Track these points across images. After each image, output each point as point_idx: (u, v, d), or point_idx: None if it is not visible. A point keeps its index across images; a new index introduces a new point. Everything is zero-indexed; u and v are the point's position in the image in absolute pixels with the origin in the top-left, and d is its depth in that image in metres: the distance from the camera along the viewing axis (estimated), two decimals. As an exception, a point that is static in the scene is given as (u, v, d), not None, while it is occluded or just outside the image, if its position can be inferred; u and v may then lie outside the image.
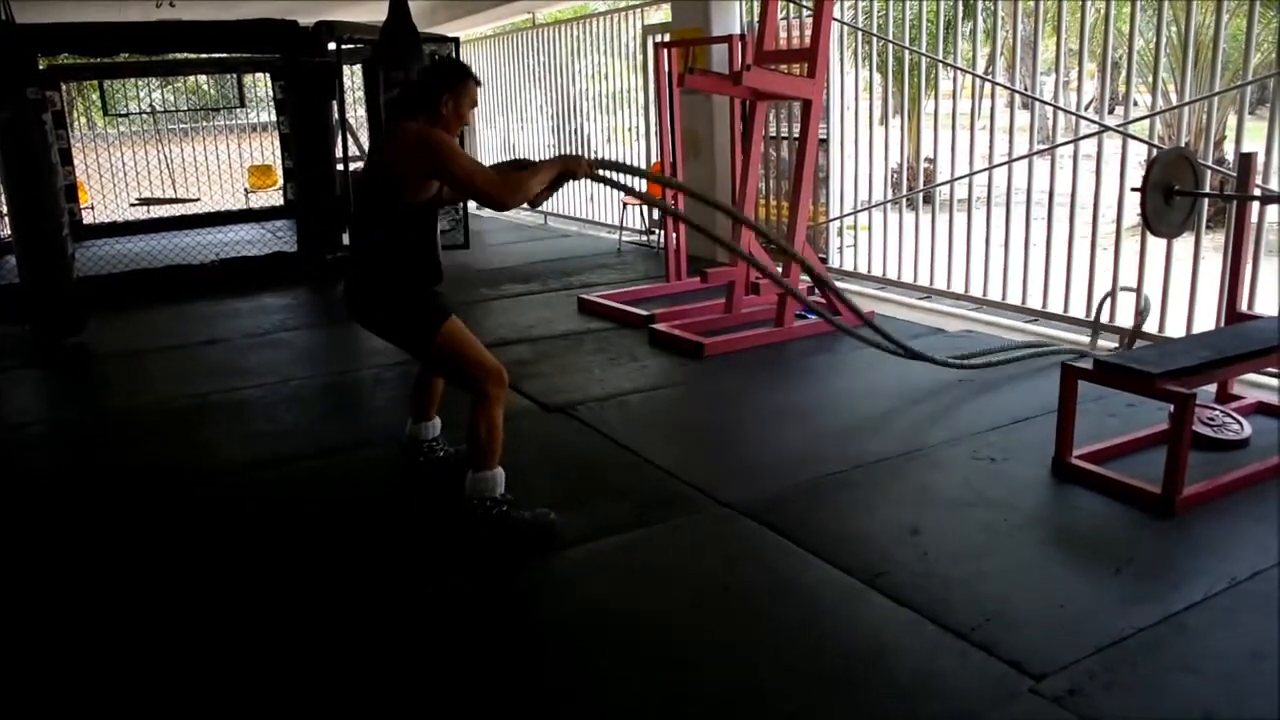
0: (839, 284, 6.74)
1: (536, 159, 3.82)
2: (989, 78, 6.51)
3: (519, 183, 3.52)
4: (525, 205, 3.80)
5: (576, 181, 3.79)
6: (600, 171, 4.01)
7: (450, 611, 3.13)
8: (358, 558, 3.49)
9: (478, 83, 3.61)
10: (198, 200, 12.79)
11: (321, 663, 2.85)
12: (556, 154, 3.62)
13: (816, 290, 6.38)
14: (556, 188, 3.74)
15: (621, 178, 4.17)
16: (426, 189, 3.50)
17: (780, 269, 6.26)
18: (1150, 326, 5.60)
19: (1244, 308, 4.62)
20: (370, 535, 3.66)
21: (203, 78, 14.82)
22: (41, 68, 8.25)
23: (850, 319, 5.15)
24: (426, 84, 3.55)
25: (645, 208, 9.65)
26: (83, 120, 16.57)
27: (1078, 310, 6.03)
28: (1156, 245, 5.40)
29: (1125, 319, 5.61)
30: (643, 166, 10.14)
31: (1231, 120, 8.21)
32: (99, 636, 3.05)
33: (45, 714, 2.69)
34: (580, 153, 11.34)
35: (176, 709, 2.67)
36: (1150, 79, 6.85)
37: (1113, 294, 5.64)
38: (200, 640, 2.99)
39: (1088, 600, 3.00)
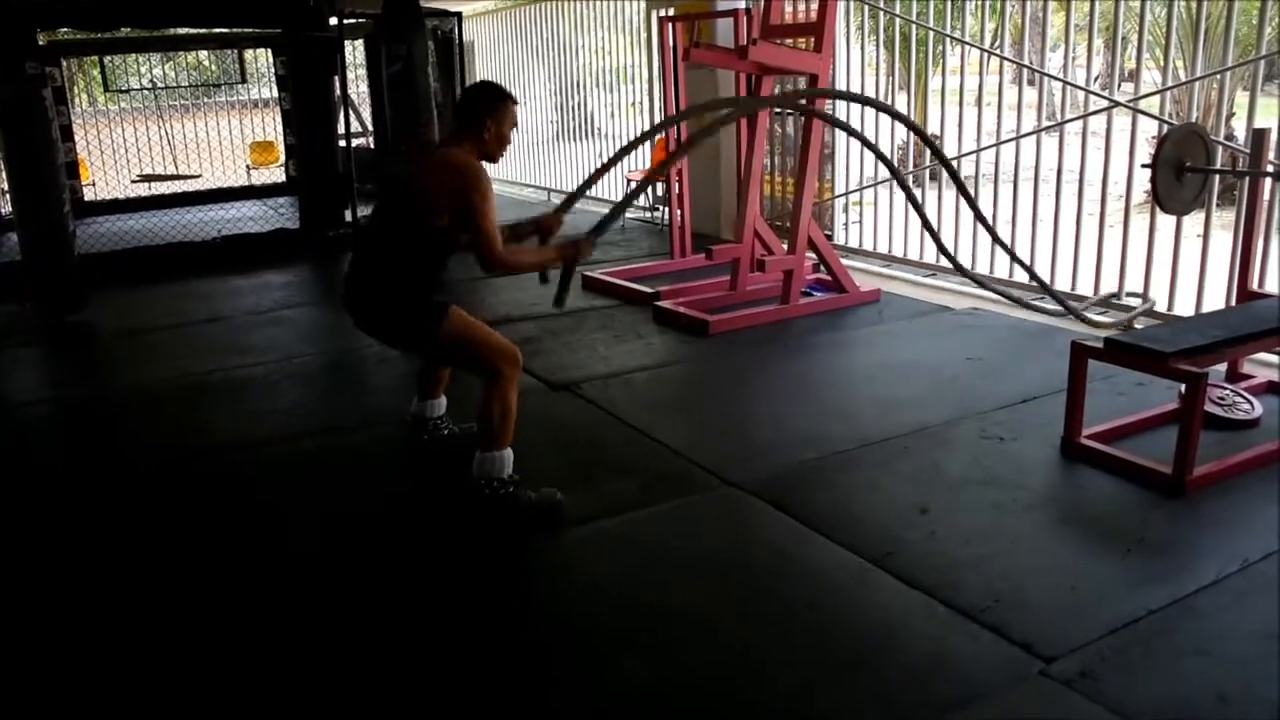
0: (845, 262, 6.71)
1: (531, 218, 4.01)
2: (996, 53, 6.44)
3: (516, 263, 3.65)
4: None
5: (583, 260, 3.89)
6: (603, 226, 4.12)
7: (455, 591, 3.11)
8: (361, 536, 3.47)
9: (514, 101, 3.62)
10: (199, 177, 12.72)
11: (323, 641, 2.84)
12: (560, 241, 3.67)
13: (822, 269, 6.36)
14: (569, 275, 3.88)
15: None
16: (445, 217, 3.47)
17: (786, 246, 6.22)
18: (1159, 305, 5.57)
19: (1255, 286, 4.58)
20: (374, 514, 3.64)
21: (204, 53, 14.73)
22: (41, 43, 8.21)
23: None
24: (467, 110, 3.55)
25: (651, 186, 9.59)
26: (83, 96, 16.46)
27: (1085, 288, 5.99)
28: (1166, 222, 5.36)
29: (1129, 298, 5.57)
30: (648, 143, 10.07)
31: (1242, 96, 8.14)
32: (99, 616, 3.03)
33: (47, 687, 2.68)
34: (588, 135, 11.32)
35: (176, 696, 2.66)
36: (1160, 55, 6.79)
37: (1120, 284, 5.61)
38: (202, 620, 2.98)
39: (1099, 581, 2.97)
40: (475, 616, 2.98)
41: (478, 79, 13.27)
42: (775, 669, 2.63)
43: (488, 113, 3.51)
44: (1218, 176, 4.80)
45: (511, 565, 3.29)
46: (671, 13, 8.12)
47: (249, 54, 12.72)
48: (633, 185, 9.76)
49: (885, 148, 7.49)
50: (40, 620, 3.04)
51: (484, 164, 3.52)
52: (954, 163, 6.90)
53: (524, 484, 3.53)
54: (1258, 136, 4.35)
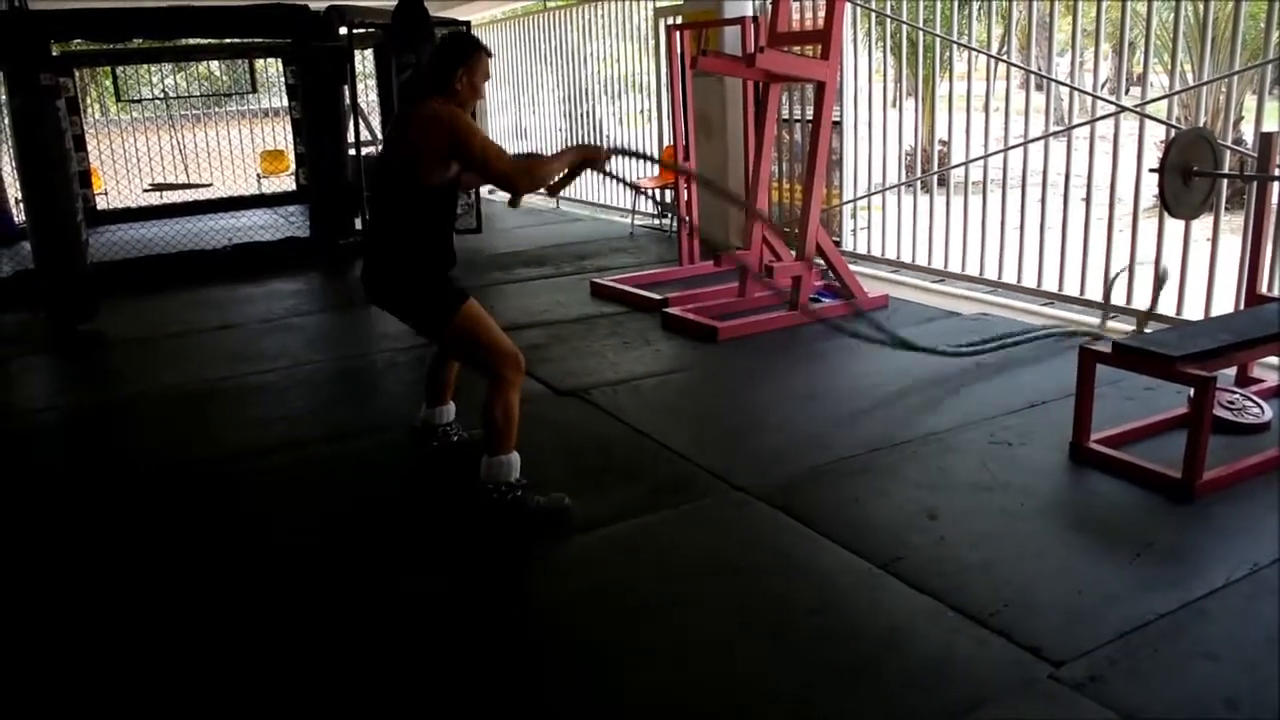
0: (853, 268, 6.72)
1: (550, 152, 3.81)
2: (1003, 58, 6.44)
3: (535, 167, 3.53)
4: (541, 192, 3.80)
5: (595, 171, 3.78)
6: (619, 149, 4.02)
7: (464, 596, 3.13)
8: (371, 542, 3.48)
9: (488, 53, 3.60)
10: (210, 186, 12.81)
11: (331, 645, 2.85)
12: (575, 143, 3.62)
13: (830, 275, 6.36)
14: (574, 176, 3.75)
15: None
16: (445, 170, 3.47)
17: (793, 254, 6.23)
18: (1167, 309, 5.55)
19: (1264, 289, 4.57)
20: (383, 519, 3.66)
21: (215, 63, 14.82)
22: (55, 54, 8.26)
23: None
24: (439, 61, 3.53)
25: (659, 190, 9.60)
26: (96, 106, 16.58)
27: (1094, 293, 5.98)
28: (1174, 227, 5.34)
29: (1139, 300, 5.55)
30: (654, 151, 10.10)
31: (1250, 100, 8.12)
32: (106, 620, 3.05)
33: (48, 685, 2.70)
34: (596, 141, 11.33)
35: (177, 701, 2.67)
36: (1167, 59, 6.78)
37: (1130, 269, 5.58)
38: (207, 625, 2.99)
39: (1107, 586, 2.97)
40: (481, 621, 2.99)
41: (487, 87, 13.32)
42: (781, 673, 2.63)
43: (459, 62, 3.49)
44: (1226, 181, 4.79)
45: (519, 569, 3.30)
46: (679, 21, 8.15)
47: (259, 63, 12.79)
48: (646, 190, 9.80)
49: (894, 155, 7.51)
50: (44, 623, 3.06)
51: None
52: (962, 168, 6.91)
53: (532, 488, 3.54)
54: (1265, 140, 4.34)
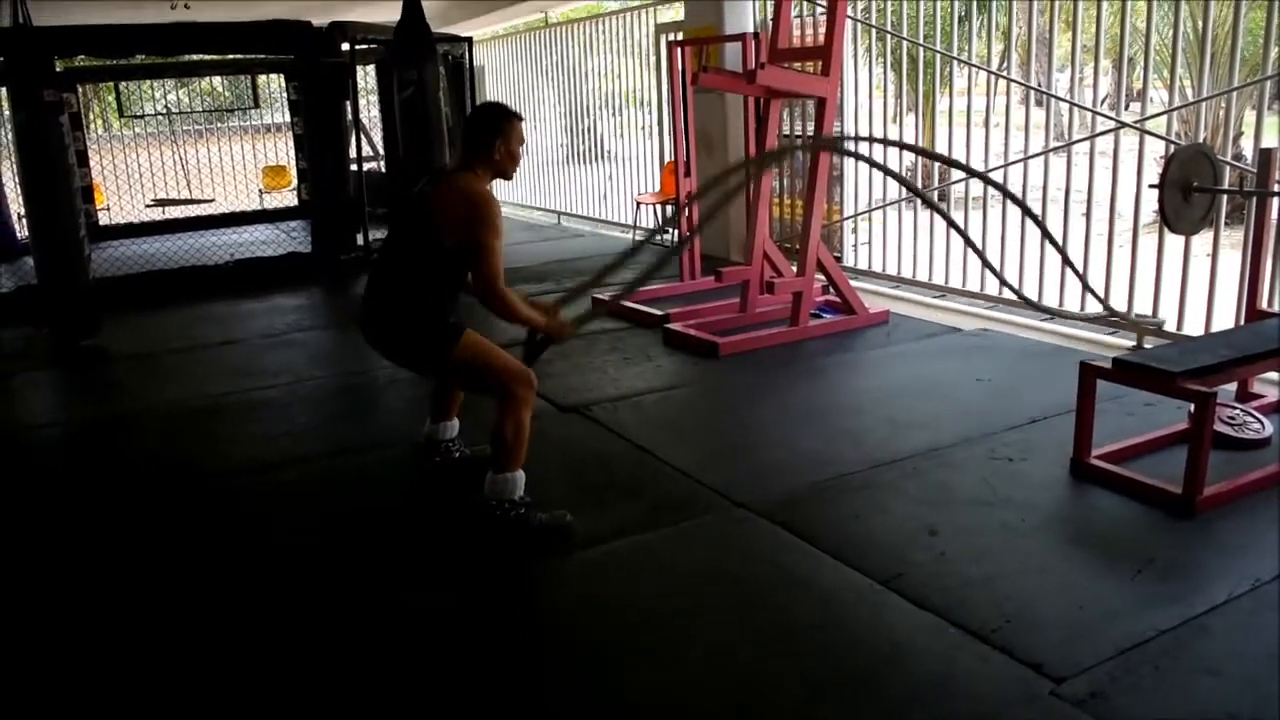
0: (854, 283, 6.74)
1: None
2: (1003, 74, 6.47)
3: (514, 306, 3.54)
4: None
5: (557, 344, 3.94)
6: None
7: (466, 612, 3.13)
8: (373, 557, 3.48)
9: (520, 119, 3.66)
10: (212, 201, 12.83)
11: (334, 660, 2.85)
12: (555, 307, 3.64)
13: (831, 291, 6.38)
14: (544, 346, 3.86)
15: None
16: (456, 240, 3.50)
17: (795, 268, 6.25)
18: (1169, 325, 5.56)
19: (1265, 305, 4.58)
20: (386, 535, 3.66)
21: (217, 79, 14.87)
22: (58, 70, 8.29)
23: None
24: (477, 135, 3.58)
25: (658, 205, 9.64)
26: (99, 122, 16.65)
27: (1094, 308, 5.98)
28: (1174, 242, 5.36)
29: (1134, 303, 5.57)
30: (656, 167, 10.12)
31: (1250, 116, 8.14)
32: (111, 635, 3.05)
33: (48, 699, 2.70)
34: (594, 163, 11.37)
35: (188, 715, 2.68)
36: (1166, 75, 6.81)
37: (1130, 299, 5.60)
38: (207, 640, 3.00)
39: (1108, 602, 2.97)
40: (485, 637, 2.99)
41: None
42: (783, 688, 2.63)
43: (497, 134, 3.55)
44: (1226, 196, 4.81)
45: (521, 586, 3.30)
46: (680, 37, 8.19)
47: (262, 79, 12.85)
48: (641, 207, 9.81)
49: (893, 168, 7.52)
50: (42, 636, 3.06)
51: (497, 183, 3.58)
52: (963, 184, 6.93)
53: (535, 506, 3.55)
54: (1265, 156, 4.36)
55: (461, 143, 3.69)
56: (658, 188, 9.96)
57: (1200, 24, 5.87)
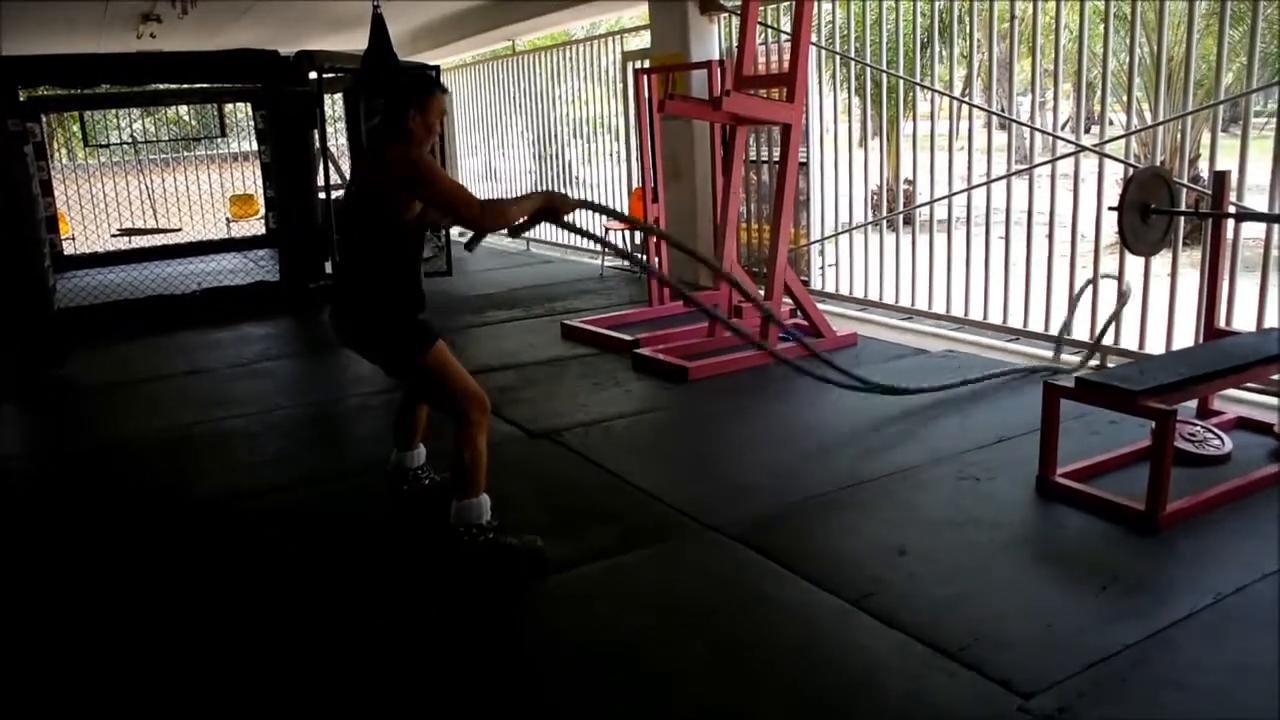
0: (821, 306, 6.79)
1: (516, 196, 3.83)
2: (966, 99, 6.58)
3: (500, 208, 3.54)
4: (506, 233, 3.82)
5: (556, 222, 3.79)
6: (586, 202, 4.06)
7: (437, 640, 3.12)
8: (343, 587, 3.47)
9: (443, 90, 3.63)
10: (179, 230, 12.76)
11: (306, 693, 2.83)
12: (544, 188, 3.58)
13: (799, 314, 6.43)
14: (537, 221, 3.74)
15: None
16: (410, 209, 3.51)
17: (763, 292, 6.29)
18: (1130, 343, 5.65)
19: (1222, 324, 4.66)
20: (356, 564, 3.64)
21: (184, 108, 14.83)
22: (22, 99, 8.25)
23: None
24: (391, 105, 3.57)
25: (628, 233, 9.68)
26: (63, 151, 16.53)
27: (1058, 329, 6.07)
28: (1135, 263, 5.45)
29: (1098, 321, 5.64)
30: (625, 195, 10.18)
31: (1205, 138, 8.30)
32: (82, 662, 3.02)
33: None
34: (563, 189, 11.41)
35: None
36: (1125, 98, 6.94)
37: (1094, 281, 5.67)
38: (178, 673, 2.97)
39: (1075, 618, 3.01)
40: (455, 664, 2.98)
41: (456, 130, 13.32)
42: (754, 710, 2.64)
43: (412, 104, 3.51)
44: (1183, 218, 4.90)
45: (492, 612, 3.29)
46: (647, 64, 8.25)
47: (229, 108, 12.81)
48: (609, 233, 9.86)
49: (859, 193, 7.61)
50: (16, 678, 3.03)
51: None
52: (927, 207, 7.02)
53: (504, 530, 3.54)
54: (1219, 179, 4.46)
55: (383, 118, 3.67)
56: (628, 212, 10.01)
57: (1155, 49, 6.00)
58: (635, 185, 9.69)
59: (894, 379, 5.20)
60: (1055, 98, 6.28)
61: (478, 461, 3.51)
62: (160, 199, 13.95)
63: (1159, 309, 5.52)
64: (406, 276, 3.61)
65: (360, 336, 3.68)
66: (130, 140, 14.25)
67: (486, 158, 13.56)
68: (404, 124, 3.51)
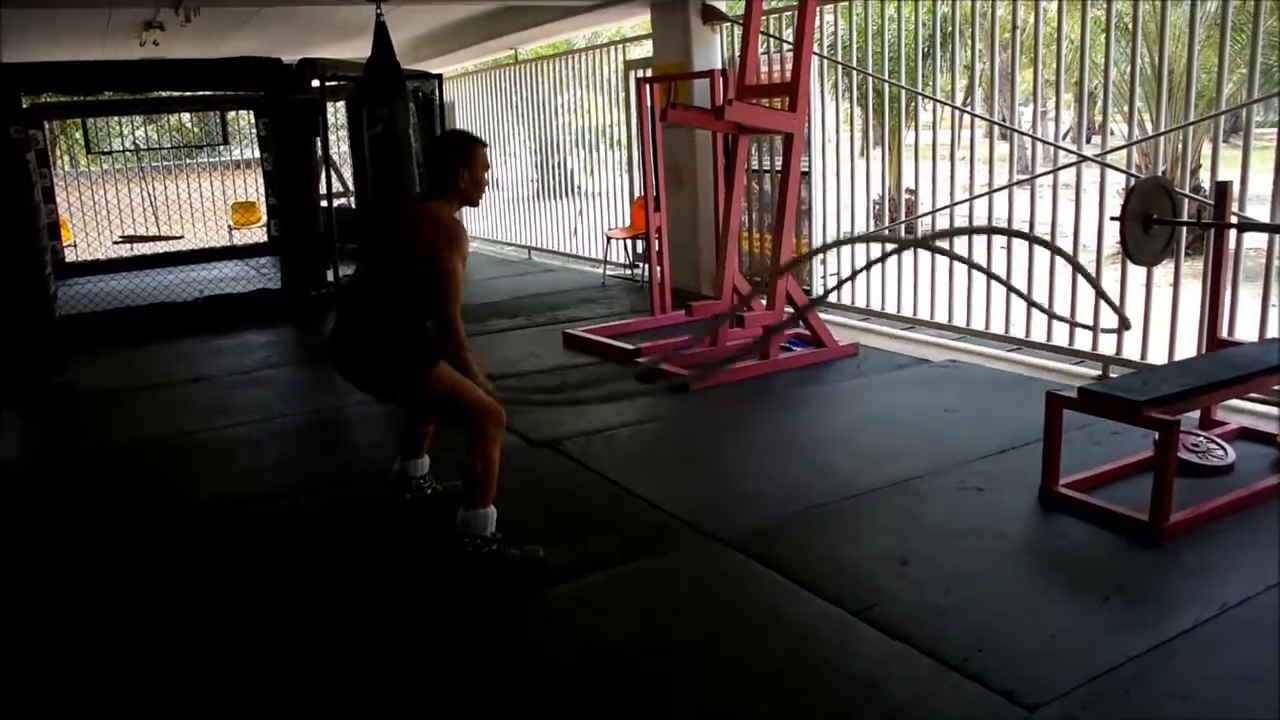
0: (823, 316, 6.79)
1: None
2: (967, 109, 6.58)
3: (462, 348, 3.50)
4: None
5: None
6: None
7: (438, 646, 3.11)
8: (345, 595, 3.46)
9: (483, 144, 3.67)
10: (181, 238, 12.77)
11: (306, 693, 2.83)
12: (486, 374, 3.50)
13: (801, 324, 6.42)
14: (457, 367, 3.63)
15: None
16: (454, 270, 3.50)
17: (765, 302, 6.29)
18: (1132, 353, 5.64)
19: (1225, 334, 4.66)
20: (357, 573, 3.64)
21: (186, 115, 14.85)
22: (25, 106, 8.27)
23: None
24: (439, 164, 3.59)
25: (628, 240, 9.70)
26: (66, 158, 16.56)
27: (1060, 339, 6.07)
28: (1137, 273, 5.45)
29: (1104, 346, 5.64)
30: (626, 203, 10.18)
31: (1207, 149, 8.31)
32: (73, 677, 3.02)
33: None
34: (565, 198, 11.40)
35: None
36: (1126, 109, 6.94)
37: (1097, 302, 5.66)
38: (178, 681, 2.96)
39: (1079, 629, 3.00)
40: (456, 671, 2.97)
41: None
42: (759, 722, 2.63)
43: (460, 163, 3.55)
44: (1185, 228, 4.90)
45: (495, 622, 3.29)
46: (649, 74, 8.27)
47: (231, 115, 12.83)
48: (611, 242, 9.86)
49: (861, 202, 7.61)
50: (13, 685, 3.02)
51: (469, 214, 3.56)
52: (930, 217, 7.02)
53: (507, 541, 3.54)
54: (1220, 189, 4.46)
55: (427, 173, 3.70)
56: (628, 222, 10.01)
57: (1156, 60, 6.01)
58: (637, 194, 9.70)
59: (895, 388, 5.20)
60: (1057, 108, 6.28)
61: (490, 472, 3.51)
62: (162, 206, 13.97)
63: (1161, 319, 5.52)
64: (419, 326, 3.61)
65: (364, 376, 3.70)
66: (133, 147, 14.28)
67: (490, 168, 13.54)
68: (454, 181, 3.54)
